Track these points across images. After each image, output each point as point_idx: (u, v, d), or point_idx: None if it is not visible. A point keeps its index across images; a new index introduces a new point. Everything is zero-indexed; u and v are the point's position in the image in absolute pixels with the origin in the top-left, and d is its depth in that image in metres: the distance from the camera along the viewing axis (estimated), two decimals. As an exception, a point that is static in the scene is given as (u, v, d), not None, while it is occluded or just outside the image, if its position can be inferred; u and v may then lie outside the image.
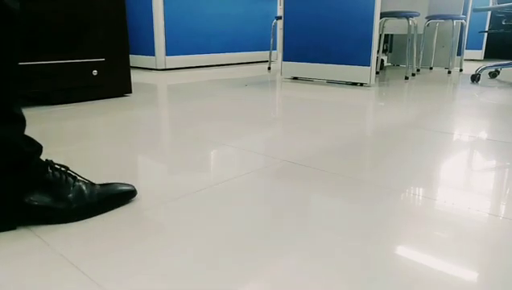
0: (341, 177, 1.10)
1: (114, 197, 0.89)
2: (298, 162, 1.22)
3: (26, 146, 0.80)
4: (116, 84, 2.31)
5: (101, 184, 0.89)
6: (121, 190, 0.91)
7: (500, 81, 3.35)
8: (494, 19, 5.17)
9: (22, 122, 0.79)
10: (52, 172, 0.83)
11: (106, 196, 0.87)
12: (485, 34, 5.47)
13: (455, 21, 3.91)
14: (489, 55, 5.52)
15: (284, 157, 1.26)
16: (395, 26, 3.69)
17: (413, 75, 3.63)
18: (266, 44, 4.83)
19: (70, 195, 0.82)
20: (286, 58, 3.24)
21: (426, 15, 3.86)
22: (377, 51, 3.04)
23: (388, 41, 4.72)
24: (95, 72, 2.16)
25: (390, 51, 4.74)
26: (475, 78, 3.27)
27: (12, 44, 0.75)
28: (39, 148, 0.83)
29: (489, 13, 5.25)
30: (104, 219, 0.83)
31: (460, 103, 2.30)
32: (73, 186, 0.84)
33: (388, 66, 4.58)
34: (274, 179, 1.08)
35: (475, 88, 2.92)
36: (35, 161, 0.82)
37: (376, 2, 2.68)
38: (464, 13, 4.10)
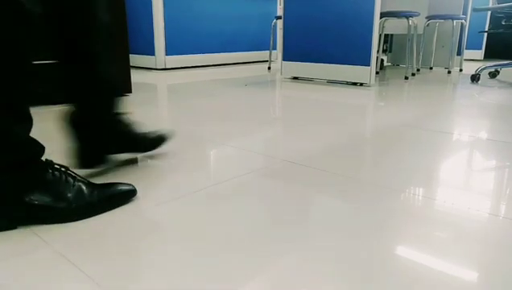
0: (341, 177, 1.10)
1: (114, 197, 0.89)
2: (298, 162, 1.22)
3: (29, 146, 0.81)
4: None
5: (100, 184, 0.90)
6: (121, 190, 0.91)
7: (500, 81, 3.35)
8: (494, 19, 5.17)
9: (30, 121, 0.80)
10: (52, 172, 0.83)
11: (106, 195, 0.87)
12: (485, 34, 5.47)
13: (455, 21, 3.91)
14: (488, 56, 5.52)
15: (284, 157, 1.26)
16: (395, 26, 3.69)
17: (413, 75, 3.63)
18: (265, 44, 4.83)
19: (70, 194, 0.82)
20: (286, 58, 3.24)
21: (426, 15, 3.86)
22: (377, 51, 3.04)
23: (388, 41, 4.72)
24: (95, 72, 2.16)
25: (390, 51, 4.74)
26: (475, 78, 3.27)
27: (30, 45, 0.76)
28: (41, 148, 0.83)
29: (489, 13, 5.26)
30: (104, 219, 0.84)
31: (460, 103, 2.30)
32: (73, 186, 0.84)
33: (388, 66, 4.58)
34: (274, 179, 1.08)
35: (475, 88, 2.92)
36: (37, 161, 0.82)
37: (376, 2, 2.68)
38: (464, 13, 4.10)
